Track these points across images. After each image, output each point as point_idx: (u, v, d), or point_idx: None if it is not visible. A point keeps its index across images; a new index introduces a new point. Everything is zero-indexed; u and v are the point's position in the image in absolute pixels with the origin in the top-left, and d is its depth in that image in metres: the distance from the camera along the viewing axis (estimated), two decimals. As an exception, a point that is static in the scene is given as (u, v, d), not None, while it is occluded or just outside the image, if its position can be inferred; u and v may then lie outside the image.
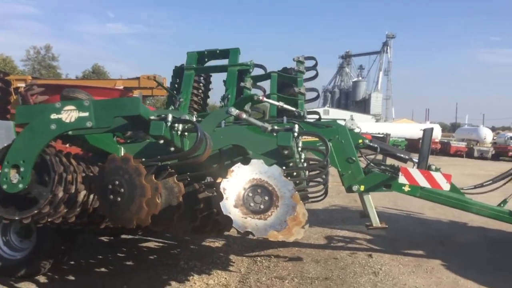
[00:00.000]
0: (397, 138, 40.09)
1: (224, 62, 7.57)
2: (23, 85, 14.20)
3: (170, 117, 3.60)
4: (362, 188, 5.67)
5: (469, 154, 38.88)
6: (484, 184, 6.70)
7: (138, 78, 14.35)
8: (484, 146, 41.44)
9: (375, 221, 5.77)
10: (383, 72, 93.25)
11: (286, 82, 7.52)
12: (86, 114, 3.56)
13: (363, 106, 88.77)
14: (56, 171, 3.65)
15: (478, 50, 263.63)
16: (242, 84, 7.17)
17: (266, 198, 3.58)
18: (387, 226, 5.95)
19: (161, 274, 5.29)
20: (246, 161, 3.71)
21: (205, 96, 8.01)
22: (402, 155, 6.64)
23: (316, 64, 7.72)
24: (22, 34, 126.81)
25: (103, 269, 5.44)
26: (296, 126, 3.95)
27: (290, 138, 3.82)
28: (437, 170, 5.92)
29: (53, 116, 3.58)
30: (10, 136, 6.10)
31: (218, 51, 7.62)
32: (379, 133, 40.28)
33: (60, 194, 3.67)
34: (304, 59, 7.52)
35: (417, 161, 6.38)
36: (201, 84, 7.83)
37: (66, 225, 4.12)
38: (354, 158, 5.62)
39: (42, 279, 4.95)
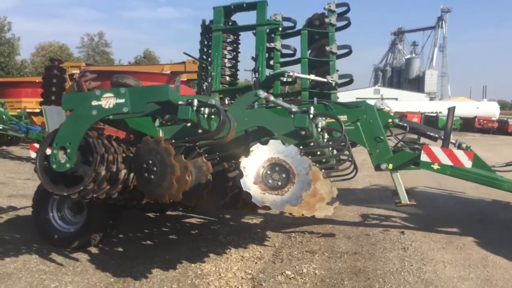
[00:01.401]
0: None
1: (252, 16, 7.46)
2: (77, 71, 15.11)
3: (196, 102, 3.95)
4: (390, 166, 5.82)
5: (529, 132, 37.23)
6: (516, 162, 6.66)
7: (184, 63, 14.86)
8: (546, 124, 39.48)
9: (404, 198, 5.91)
10: (438, 48, 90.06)
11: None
12: (123, 100, 3.97)
13: (416, 84, 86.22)
14: (98, 152, 4.09)
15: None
16: (271, 44, 7.15)
17: (283, 175, 3.87)
18: (415, 203, 6.08)
19: (201, 246, 5.70)
20: (265, 142, 4.01)
21: (236, 55, 8.06)
22: (432, 134, 6.68)
23: (348, 10, 7.45)
24: (76, 21, 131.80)
25: (148, 242, 5.90)
26: (312, 108, 4.18)
27: (306, 119, 4.07)
28: (467, 148, 5.96)
29: (94, 103, 4.02)
30: (61, 120, 6.69)
31: (244, 5, 7.54)
32: (432, 112, 39.04)
33: (103, 172, 4.12)
34: (336, 6, 7.28)
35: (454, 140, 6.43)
36: (231, 44, 7.83)
37: (110, 200, 4.58)
38: (382, 137, 5.77)
39: (93, 249, 5.47)
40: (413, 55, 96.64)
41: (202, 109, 4.08)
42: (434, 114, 37.09)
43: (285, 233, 6.39)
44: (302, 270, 4.96)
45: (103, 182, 4.22)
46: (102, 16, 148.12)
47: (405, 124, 6.25)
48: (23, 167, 12.66)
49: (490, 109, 44.55)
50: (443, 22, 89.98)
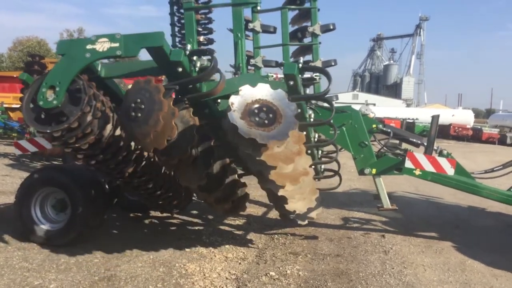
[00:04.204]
0: (428, 124, 39.38)
1: None
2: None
3: (189, 47, 4.10)
4: (373, 171, 5.94)
5: (501, 141, 37.93)
6: (495, 169, 6.86)
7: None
8: (518, 133, 40.41)
9: (386, 203, 6.03)
10: (415, 56, 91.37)
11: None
12: (117, 44, 4.11)
13: (394, 90, 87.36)
14: (87, 93, 4.18)
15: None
16: (250, 25, 6.76)
17: (270, 115, 4.03)
18: (397, 208, 6.21)
19: (184, 246, 5.70)
20: (253, 85, 4.18)
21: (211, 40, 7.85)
22: (414, 140, 6.84)
23: None
24: (55, 17, 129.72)
25: (132, 241, 5.83)
26: (301, 58, 4.34)
27: (295, 67, 4.26)
28: (448, 155, 6.13)
29: (89, 46, 4.15)
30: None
31: None
32: (408, 118, 39.73)
33: (89, 117, 4.20)
34: None
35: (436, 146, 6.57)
36: (206, 28, 7.57)
37: (93, 160, 4.60)
38: (366, 142, 5.89)
39: (76, 248, 5.40)
40: (391, 61, 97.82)
41: (195, 59, 4.25)
42: (411, 120, 37.67)
43: (268, 235, 6.44)
44: (286, 271, 5.02)
45: (87, 127, 4.25)
46: (81, 12, 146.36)
47: (389, 130, 6.39)
48: (1, 163, 12.42)
49: (465, 117, 45.40)
50: (421, 30, 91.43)
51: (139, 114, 4.03)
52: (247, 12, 6.88)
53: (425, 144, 6.24)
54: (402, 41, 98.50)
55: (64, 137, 4.24)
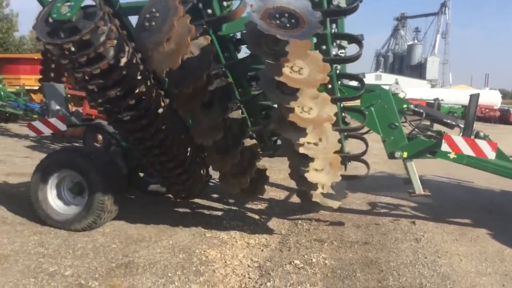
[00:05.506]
0: (453, 105, 38.44)
1: None
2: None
3: None
4: (405, 154, 5.59)
5: (530, 122, 36.90)
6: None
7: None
8: (548, 113, 39.13)
9: (418, 188, 5.69)
10: (440, 35, 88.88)
11: None
12: None
13: (418, 71, 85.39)
14: (103, 9, 3.99)
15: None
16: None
17: (293, 21, 3.75)
18: (430, 193, 5.87)
19: (204, 232, 5.50)
20: None
21: None
22: (449, 121, 6.44)
23: None
24: None
25: (151, 226, 5.65)
26: None
27: None
28: (485, 137, 5.73)
29: None
30: (61, 97, 6.48)
31: None
32: (435, 99, 39.09)
33: (103, 37, 4.00)
34: None
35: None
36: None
37: (105, 94, 4.38)
38: (396, 124, 5.53)
39: (94, 232, 5.25)
40: (415, 41, 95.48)
41: None
42: (433, 102, 36.81)
43: (291, 220, 6.18)
44: (311, 260, 4.76)
45: (100, 47, 4.03)
46: None
47: (421, 111, 6.00)
48: (21, 144, 12.44)
49: (491, 98, 44.08)
50: (446, 8, 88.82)
51: (153, 23, 3.88)
52: None
53: (460, 126, 5.85)
54: (427, 20, 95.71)
55: (76, 55, 4.05)
